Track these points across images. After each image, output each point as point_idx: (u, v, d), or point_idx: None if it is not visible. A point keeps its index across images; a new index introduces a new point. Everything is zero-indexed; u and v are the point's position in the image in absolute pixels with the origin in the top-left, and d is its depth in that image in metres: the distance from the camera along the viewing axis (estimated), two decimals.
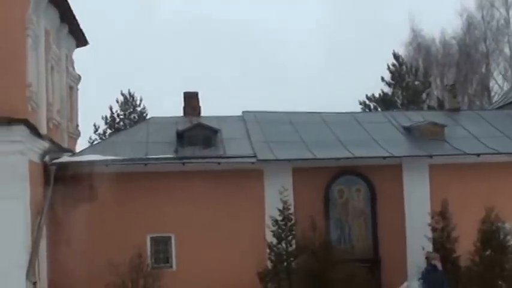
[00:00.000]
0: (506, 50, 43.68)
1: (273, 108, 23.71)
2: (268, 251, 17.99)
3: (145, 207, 18.80)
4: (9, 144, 15.47)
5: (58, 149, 19.28)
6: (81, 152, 20.51)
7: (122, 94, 44.50)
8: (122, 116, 44.26)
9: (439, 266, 15.73)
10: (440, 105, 36.76)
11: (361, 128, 22.15)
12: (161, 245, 19.21)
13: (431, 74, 43.04)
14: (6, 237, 15.18)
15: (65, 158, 18.95)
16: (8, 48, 15.63)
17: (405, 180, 20.09)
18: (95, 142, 40.06)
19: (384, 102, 39.21)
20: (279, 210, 17.99)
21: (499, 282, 17.77)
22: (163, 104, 46.11)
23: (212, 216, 18.97)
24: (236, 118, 22.63)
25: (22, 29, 16.26)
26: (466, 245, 18.13)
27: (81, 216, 18.07)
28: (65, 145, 20.78)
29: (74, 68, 22.91)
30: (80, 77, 23.25)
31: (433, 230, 18.86)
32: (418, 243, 18.77)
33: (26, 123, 15.74)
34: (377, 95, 40.23)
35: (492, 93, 43.34)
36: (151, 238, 19.07)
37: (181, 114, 23.02)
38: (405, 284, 19.04)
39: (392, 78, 40.82)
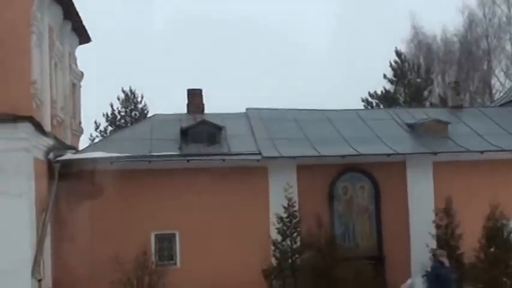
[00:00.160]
0: (508, 47, 43.76)
1: (276, 106, 23.80)
2: (272, 248, 18.00)
3: (150, 204, 18.79)
4: (15, 142, 15.45)
5: (62, 146, 19.25)
6: (85, 149, 20.51)
7: (123, 91, 44.40)
8: (123, 113, 44.17)
9: (447, 262, 15.73)
10: (442, 103, 36.75)
11: (364, 125, 22.16)
12: (165, 242, 19.18)
13: (433, 71, 43.01)
14: (12, 235, 15.15)
15: (69, 155, 18.93)
16: (12, 45, 15.61)
17: (409, 177, 20.11)
18: (96, 139, 40.08)
19: (386, 99, 39.20)
20: (284, 207, 18.00)
21: (504, 279, 17.80)
22: (165, 101, 46.05)
23: (216, 213, 18.96)
24: (240, 115, 22.62)
25: (27, 25, 16.23)
26: (469, 242, 18.17)
27: (85, 214, 18.12)
28: (68, 142, 20.75)
29: (76, 65, 22.89)
30: (82, 74, 23.23)
31: (437, 227, 18.93)
32: (422, 240, 18.83)
33: (31, 120, 15.71)
34: (379, 92, 40.23)
35: (494, 91, 43.38)
36: (156, 235, 19.05)
37: (184, 111, 23.00)
38: (409, 280, 19.02)
39: (395, 75, 40.82)
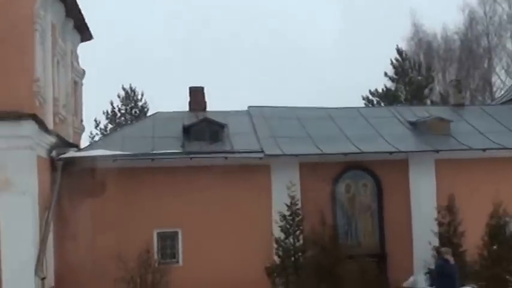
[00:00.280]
0: (509, 45, 43.75)
1: (277, 104, 23.80)
2: (275, 246, 18.02)
3: (152, 202, 18.77)
4: (18, 139, 15.42)
5: (64, 144, 19.22)
6: (88, 147, 20.50)
7: (123, 89, 44.43)
8: (123, 111, 44.18)
9: (452, 260, 15.74)
10: (443, 100, 36.76)
11: (367, 123, 22.15)
12: (168, 241, 19.15)
13: (434, 69, 43.01)
14: (15, 233, 15.14)
15: (72, 153, 18.89)
16: (16, 43, 15.58)
17: (411, 175, 20.10)
18: (96, 137, 40.08)
19: (387, 97, 39.16)
20: (287, 205, 18.01)
21: (507, 276, 17.82)
22: (165, 99, 45.99)
23: (219, 211, 18.94)
24: (242, 113, 22.60)
25: (30, 23, 16.18)
26: (472, 240, 18.21)
27: (88, 212, 18.08)
28: (70, 140, 20.70)
29: (78, 63, 22.85)
30: (84, 72, 23.18)
31: (440, 224, 18.96)
32: (424, 238, 18.89)
33: (35, 118, 15.68)
34: (380, 90, 40.20)
35: (494, 89, 43.38)
36: (158, 233, 19.03)
37: (186, 109, 23.00)
38: (412, 278, 19.10)
39: (396, 73, 40.79)
